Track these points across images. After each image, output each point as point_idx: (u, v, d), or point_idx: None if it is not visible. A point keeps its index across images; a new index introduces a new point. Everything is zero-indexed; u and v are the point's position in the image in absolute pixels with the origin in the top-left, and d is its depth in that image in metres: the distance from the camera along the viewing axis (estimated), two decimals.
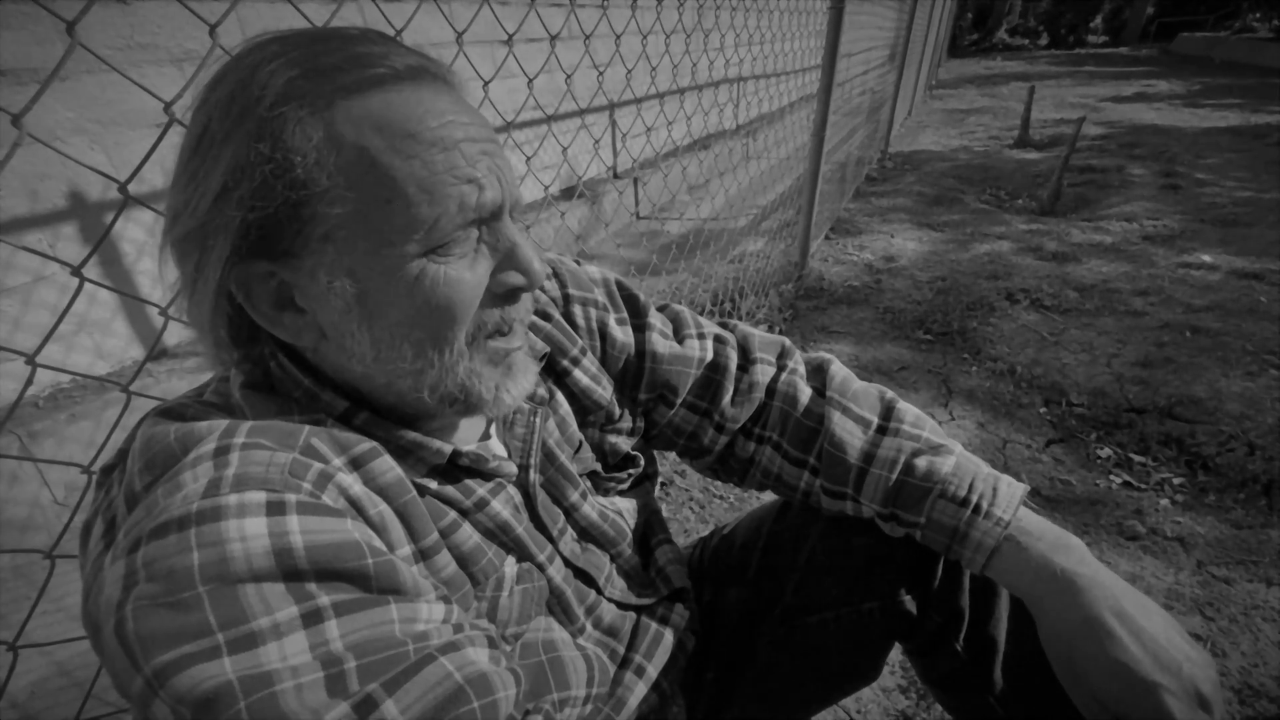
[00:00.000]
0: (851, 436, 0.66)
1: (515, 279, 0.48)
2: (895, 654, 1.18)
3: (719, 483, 1.74)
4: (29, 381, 0.51)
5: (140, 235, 1.86)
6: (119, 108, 1.74)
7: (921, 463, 0.63)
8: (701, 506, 1.68)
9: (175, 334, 1.99)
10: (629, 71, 1.58)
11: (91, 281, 0.56)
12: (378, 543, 0.40)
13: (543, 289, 0.67)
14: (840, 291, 2.93)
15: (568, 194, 3.51)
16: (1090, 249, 3.36)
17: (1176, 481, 1.68)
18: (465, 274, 0.45)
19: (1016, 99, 8.81)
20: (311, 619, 0.34)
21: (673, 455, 1.71)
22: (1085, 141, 5.84)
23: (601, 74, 1.49)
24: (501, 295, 0.48)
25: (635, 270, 2.78)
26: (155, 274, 1.85)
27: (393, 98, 0.42)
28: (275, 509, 0.36)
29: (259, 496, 0.36)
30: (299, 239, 0.41)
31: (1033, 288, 2.85)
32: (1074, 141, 4.12)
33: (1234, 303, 2.65)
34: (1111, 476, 1.72)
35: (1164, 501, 1.62)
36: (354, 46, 0.42)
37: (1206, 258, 3.16)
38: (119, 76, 1.72)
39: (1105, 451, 1.81)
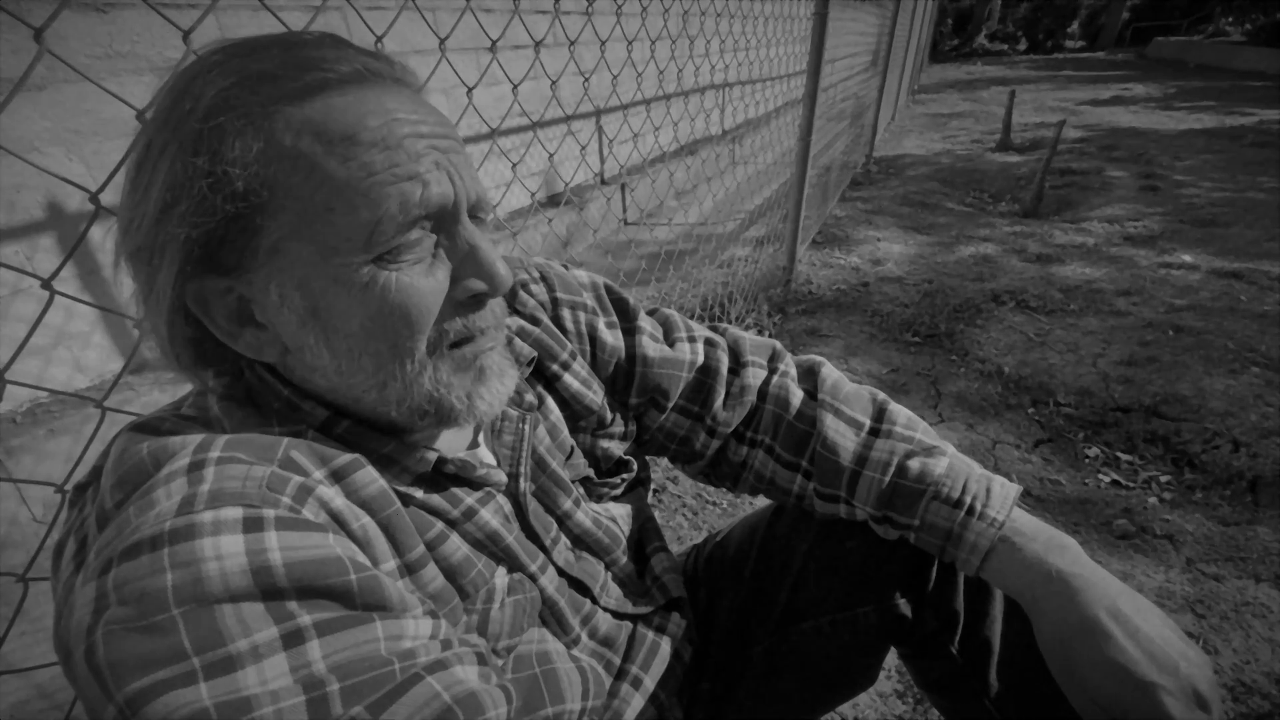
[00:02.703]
0: (844, 439, 0.66)
1: (475, 285, 0.45)
2: (891, 658, 1.18)
3: (712, 488, 1.73)
4: None
5: None
6: (97, 116, 1.72)
7: (914, 464, 0.62)
8: (695, 513, 1.67)
9: (155, 346, 1.95)
10: (615, 77, 1.58)
11: (63, 295, 0.54)
12: (361, 558, 0.39)
13: (530, 293, 0.66)
14: (828, 295, 2.94)
15: (554, 201, 3.51)
16: (1073, 250, 3.40)
17: (1164, 479, 1.70)
18: (420, 280, 0.43)
19: (997, 103, 8.92)
20: (292, 640, 0.33)
21: (665, 462, 1.70)
22: (1065, 144, 5.92)
23: (587, 80, 1.49)
24: (463, 303, 0.46)
25: (625, 276, 2.78)
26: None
27: (335, 101, 0.40)
28: (252, 525, 0.35)
29: (235, 513, 0.35)
30: (245, 253, 0.40)
31: (1018, 289, 2.88)
32: (1055, 144, 4.18)
33: (1215, 301, 2.69)
34: (1100, 475, 1.73)
35: (1152, 500, 1.63)
36: (296, 52, 0.41)
37: (1187, 257, 3.20)
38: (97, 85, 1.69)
39: (1093, 451, 1.82)
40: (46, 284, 0.51)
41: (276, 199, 0.39)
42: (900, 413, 0.68)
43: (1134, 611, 0.53)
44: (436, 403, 0.46)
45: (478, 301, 0.46)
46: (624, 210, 4.03)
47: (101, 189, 0.54)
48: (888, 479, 0.63)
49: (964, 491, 0.60)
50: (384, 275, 0.41)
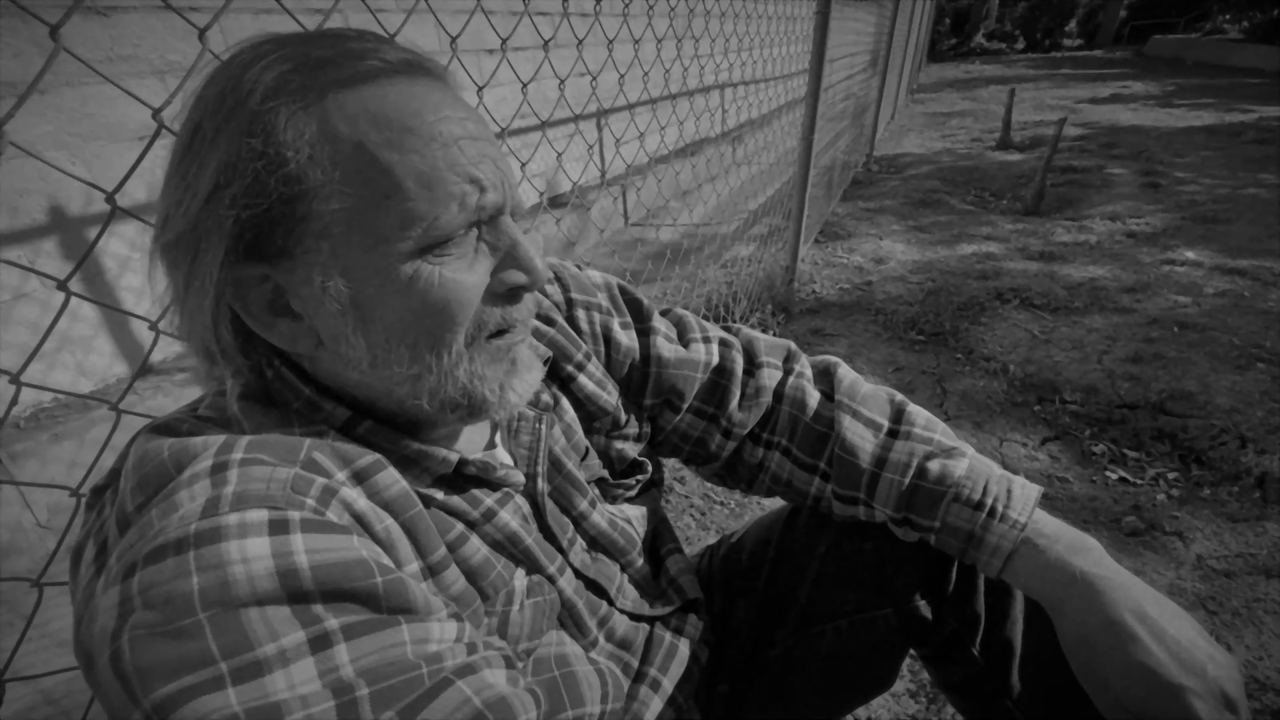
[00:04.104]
0: (863, 440, 0.65)
1: (517, 278, 0.46)
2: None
3: (720, 488, 1.73)
4: (13, 401, 0.49)
5: (123, 250, 1.82)
6: (99, 121, 1.71)
7: (934, 466, 0.62)
8: (702, 513, 1.66)
9: (160, 349, 1.95)
10: (621, 77, 1.58)
11: (79, 295, 0.54)
12: (386, 560, 0.39)
13: (545, 293, 0.65)
14: (832, 294, 2.93)
15: (558, 201, 3.50)
16: (1076, 248, 3.40)
17: (1171, 476, 1.69)
18: (463, 275, 0.43)
19: (996, 101, 8.93)
20: (320, 644, 0.33)
21: (672, 461, 1.70)
22: (1065, 142, 5.92)
23: (594, 80, 1.49)
24: (503, 295, 0.46)
25: (630, 276, 2.77)
26: (140, 289, 1.82)
27: (387, 90, 0.41)
28: (278, 528, 0.34)
29: (261, 515, 0.34)
30: (293, 237, 0.40)
31: (1022, 287, 2.87)
32: (1055, 142, 4.17)
33: (1219, 298, 2.69)
34: (1107, 472, 1.72)
35: (1160, 496, 1.63)
36: (346, 43, 0.42)
37: (1190, 254, 3.20)
38: (99, 89, 1.69)
39: (1100, 448, 1.82)
40: (63, 285, 0.51)
41: (330, 183, 0.39)
42: (919, 414, 0.67)
43: (1159, 613, 0.53)
44: (470, 394, 0.46)
45: (515, 295, 0.47)
46: (625, 211, 4.03)
47: (118, 189, 0.53)
48: (907, 481, 0.62)
49: (985, 493, 0.59)
50: (428, 269, 0.42)
